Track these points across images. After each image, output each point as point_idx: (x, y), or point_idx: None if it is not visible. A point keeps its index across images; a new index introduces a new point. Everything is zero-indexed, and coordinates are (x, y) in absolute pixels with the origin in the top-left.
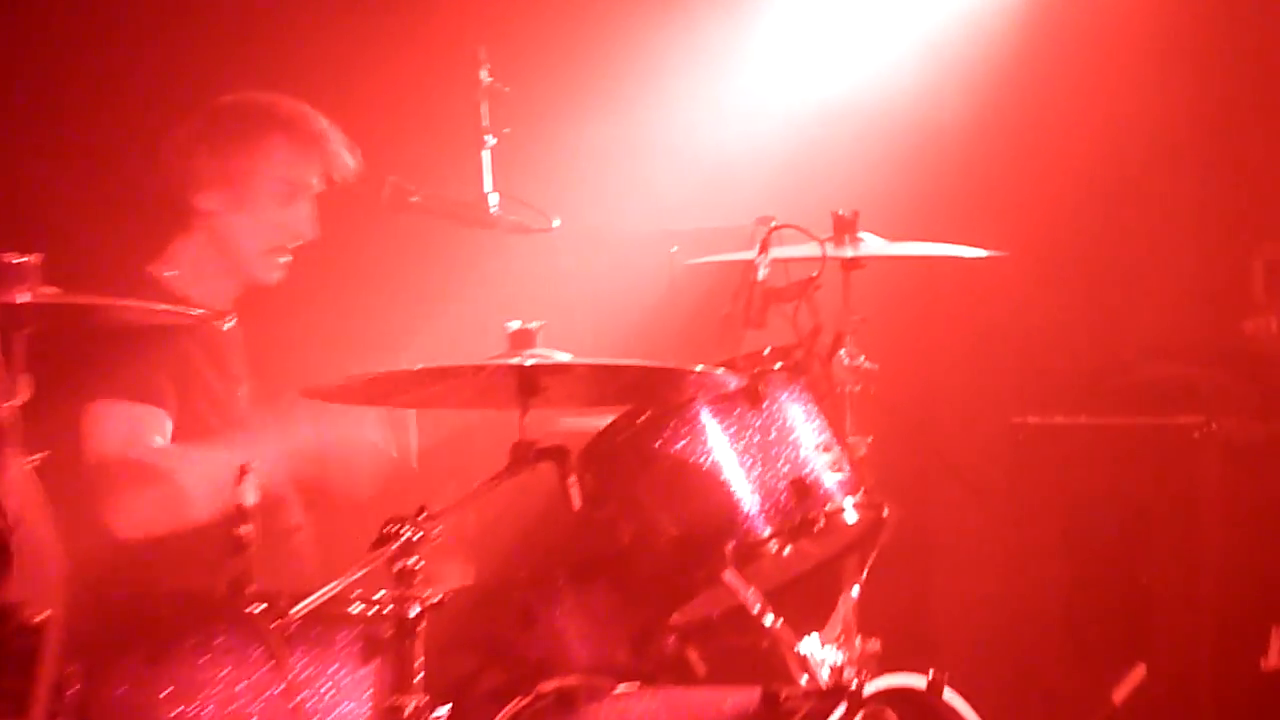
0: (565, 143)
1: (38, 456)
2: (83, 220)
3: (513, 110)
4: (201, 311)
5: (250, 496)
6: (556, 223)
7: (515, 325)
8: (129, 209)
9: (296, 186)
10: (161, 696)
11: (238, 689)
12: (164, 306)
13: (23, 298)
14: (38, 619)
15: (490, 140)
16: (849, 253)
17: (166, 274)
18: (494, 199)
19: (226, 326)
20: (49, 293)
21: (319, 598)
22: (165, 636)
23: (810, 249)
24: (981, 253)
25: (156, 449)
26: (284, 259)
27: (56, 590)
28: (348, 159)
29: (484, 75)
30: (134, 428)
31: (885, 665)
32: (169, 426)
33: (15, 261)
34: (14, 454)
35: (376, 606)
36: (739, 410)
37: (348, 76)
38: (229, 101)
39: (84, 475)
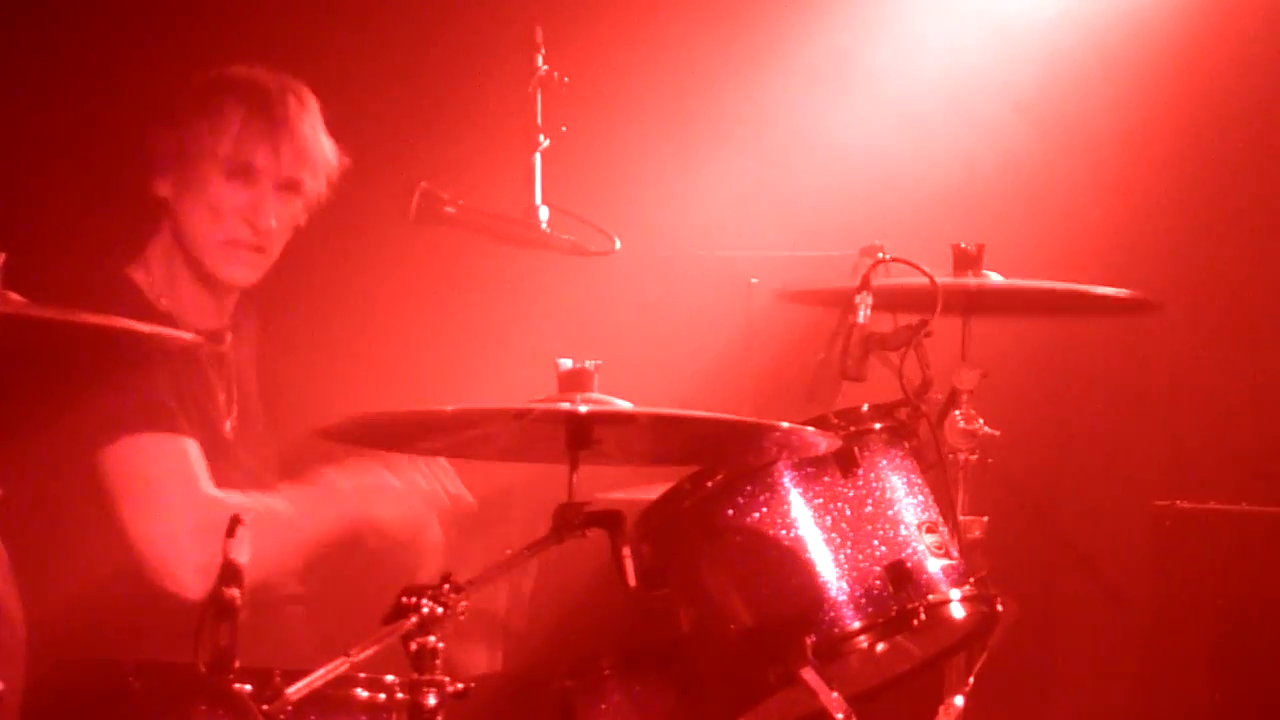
0: (631, 149)
1: None
2: (51, 217)
3: (571, 107)
4: (192, 336)
5: (243, 553)
6: (618, 244)
7: (567, 364)
8: (105, 203)
9: (244, 166)
10: None
11: None
12: (155, 329)
13: None
14: None
15: (543, 142)
16: (970, 291)
17: (144, 280)
18: (544, 213)
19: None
20: (15, 300)
21: (319, 677)
22: (136, 713)
23: (924, 287)
24: (1125, 292)
25: (219, 497)
26: (249, 255)
27: (14, 656)
28: (320, 149)
29: (539, 62)
30: (181, 465)
31: None
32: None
33: None
34: None
35: (387, 691)
36: (829, 477)
37: (371, 59)
38: (199, 75)
39: (127, 526)
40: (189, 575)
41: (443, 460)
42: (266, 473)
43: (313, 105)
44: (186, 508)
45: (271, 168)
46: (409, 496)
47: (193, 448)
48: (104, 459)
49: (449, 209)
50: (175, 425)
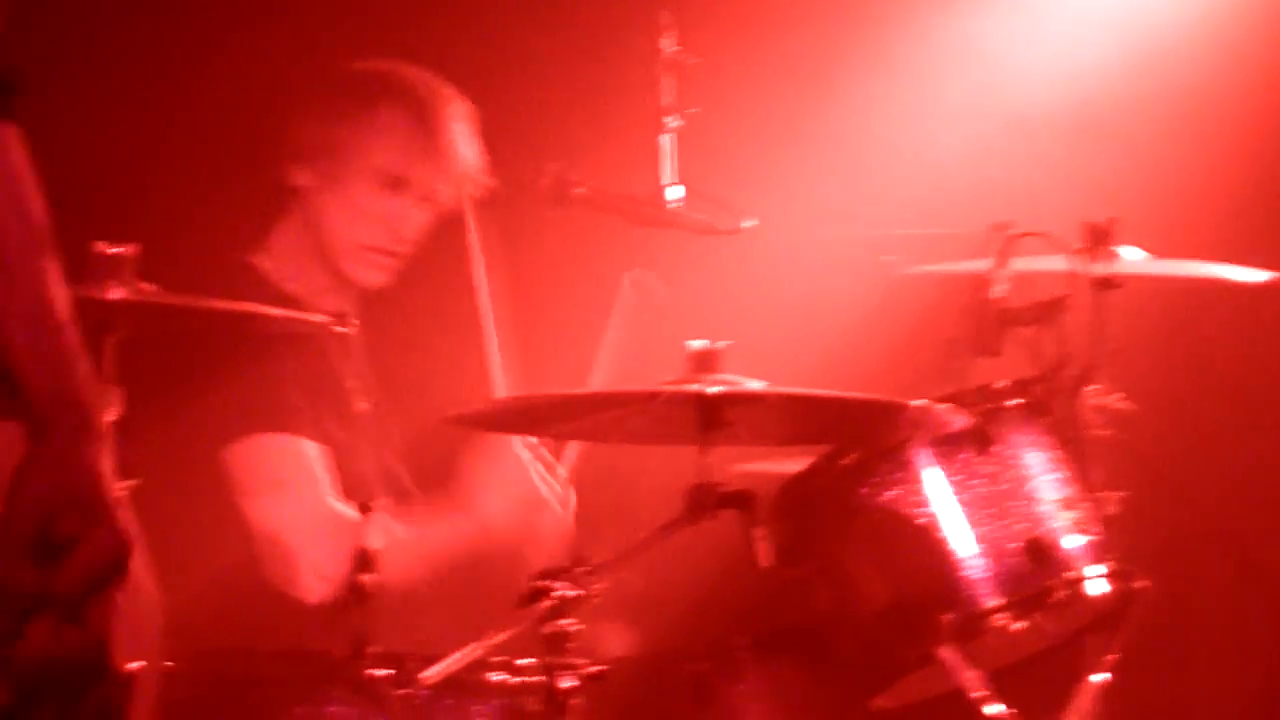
0: (761, 128)
1: (128, 484)
2: (179, 205)
3: (700, 88)
4: (322, 318)
5: (376, 539)
6: (748, 223)
7: (697, 345)
8: (229, 189)
9: (397, 179)
10: None
11: None
12: (281, 312)
13: (116, 294)
14: (128, 669)
15: (672, 123)
16: (1104, 269)
17: (270, 266)
18: (674, 193)
19: (340, 331)
20: (146, 289)
21: (454, 662)
22: (272, 701)
23: (1057, 262)
24: (1267, 276)
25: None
26: (385, 260)
27: (152, 638)
28: (469, 163)
29: (666, 44)
30: (303, 470)
31: None
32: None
33: (109, 253)
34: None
35: (522, 675)
36: (964, 454)
37: (501, 42)
38: (346, 66)
39: (250, 524)
40: (307, 579)
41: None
42: (395, 461)
43: (466, 114)
44: (306, 513)
45: (422, 180)
46: (525, 487)
47: (315, 451)
48: (229, 456)
49: (578, 190)
50: (300, 427)
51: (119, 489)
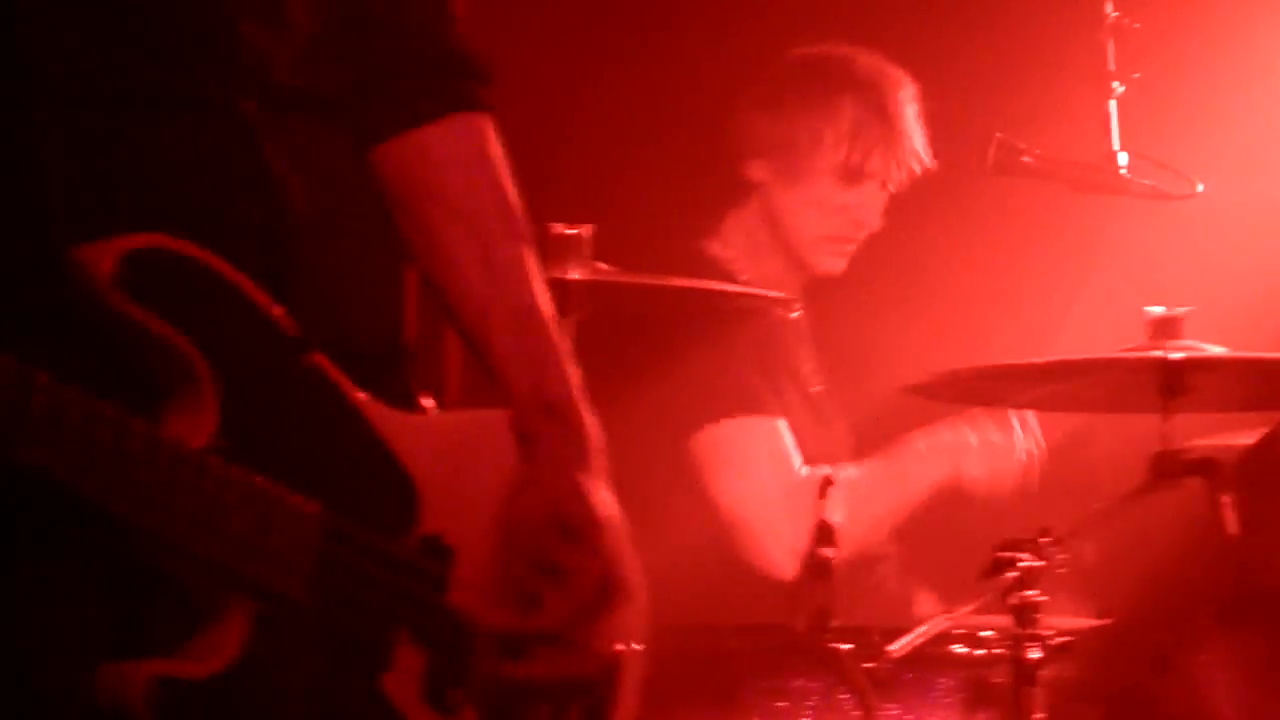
0: (1205, 91)
1: None
2: (634, 190)
3: (1144, 52)
4: (780, 294)
5: (836, 513)
6: (1200, 187)
7: (1157, 311)
8: (680, 177)
9: (857, 171)
10: None
11: None
12: (741, 289)
13: (575, 275)
14: (619, 651)
15: (1117, 88)
16: None
17: (722, 253)
18: (1123, 159)
19: (794, 316)
20: (604, 270)
21: (920, 635)
22: (736, 675)
23: None
24: None
25: (808, 475)
26: (846, 248)
27: (640, 620)
28: (920, 148)
29: (1109, 9)
30: (772, 446)
31: None
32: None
33: (567, 233)
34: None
35: (986, 647)
36: None
37: (946, 17)
38: (800, 54)
39: (720, 506)
40: (781, 554)
41: (1029, 415)
42: (849, 435)
43: (915, 96)
44: (778, 488)
45: (880, 169)
46: (996, 455)
47: (782, 427)
48: (697, 443)
49: (1025, 159)
50: (765, 407)
51: (607, 501)
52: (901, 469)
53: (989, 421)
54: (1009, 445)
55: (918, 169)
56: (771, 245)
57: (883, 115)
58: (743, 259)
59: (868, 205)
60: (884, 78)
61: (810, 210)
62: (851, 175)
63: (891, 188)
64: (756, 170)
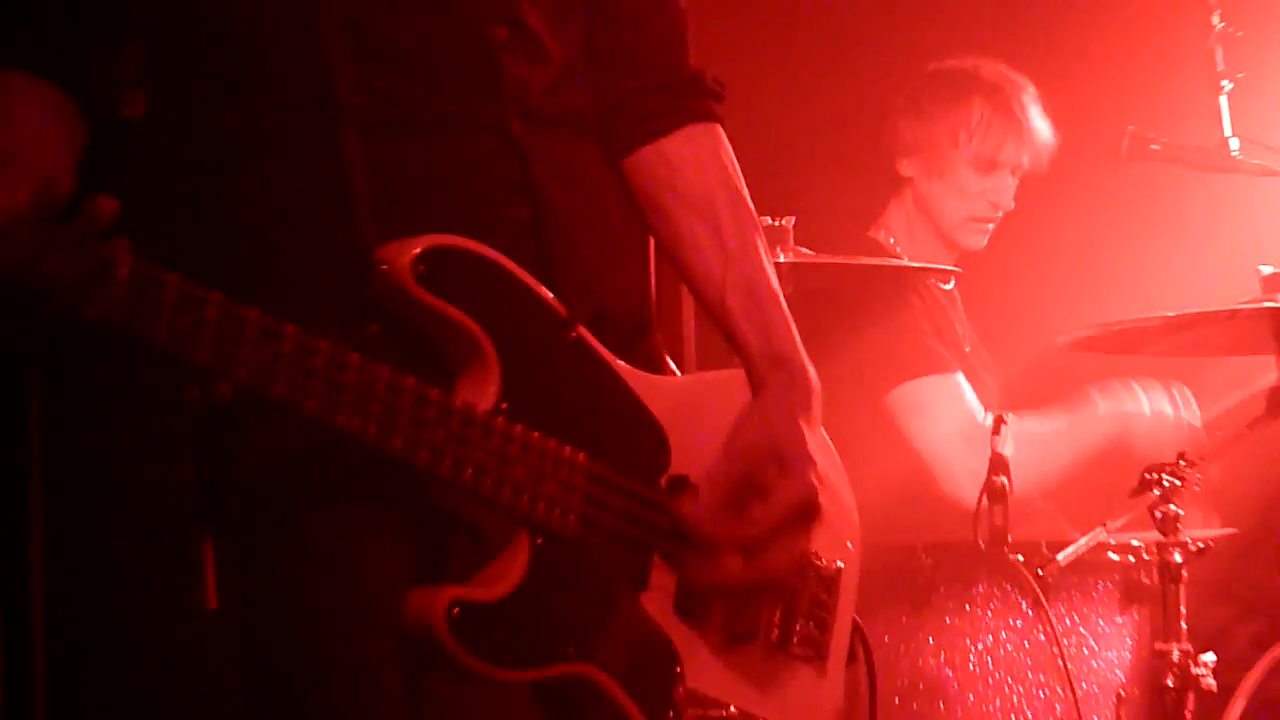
0: None
1: None
2: (820, 188)
3: (1247, 54)
4: (942, 268)
5: (1008, 446)
6: None
7: (1268, 270)
8: (853, 178)
9: (990, 161)
10: (925, 644)
11: (1000, 637)
12: (922, 264)
13: (782, 258)
14: (831, 568)
15: (1226, 85)
16: None
17: (885, 240)
18: (1234, 144)
19: (947, 287)
20: (805, 254)
21: (1083, 546)
22: (927, 586)
23: None
24: None
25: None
26: (987, 227)
27: (852, 539)
28: (1044, 140)
29: (1215, 20)
30: (955, 395)
31: None
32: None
33: (775, 225)
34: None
35: (1135, 554)
36: None
37: (1081, 31)
38: (936, 67)
39: (915, 447)
40: (965, 480)
41: (1186, 390)
42: (996, 390)
43: (1035, 96)
44: (962, 431)
45: (1010, 159)
46: (1160, 422)
47: (962, 379)
48: (893, 398)
49: (1154, 146)
50: (945, 365)
51: (820, 440)
52: (1079, 428)
53: (1160, 391)
54: (1176, 417)
55: (1046, 157)
56: (924, 228)
57: (1007, 112)
58: (903, 241)
59: (1001, 189)
60: (1006, 81)
61: (953, 197)
62: (985, 165)
63: (1020, 173)
64: (906, 167)
